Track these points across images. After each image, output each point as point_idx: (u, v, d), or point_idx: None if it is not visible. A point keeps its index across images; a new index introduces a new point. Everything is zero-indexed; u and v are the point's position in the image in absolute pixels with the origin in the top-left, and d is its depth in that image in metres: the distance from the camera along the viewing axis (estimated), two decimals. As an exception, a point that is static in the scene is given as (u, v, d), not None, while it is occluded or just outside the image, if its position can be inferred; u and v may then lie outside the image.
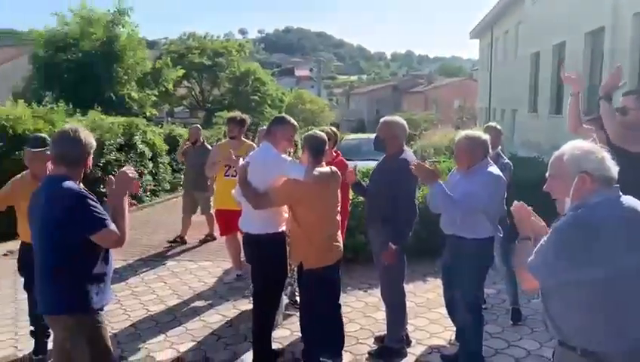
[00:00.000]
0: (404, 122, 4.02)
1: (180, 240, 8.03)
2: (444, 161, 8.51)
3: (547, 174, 2.21)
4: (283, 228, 3.78)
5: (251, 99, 28.77)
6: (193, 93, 31.11)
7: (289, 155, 3.90)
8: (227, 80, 29.97)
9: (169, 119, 25.51)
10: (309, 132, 3.79)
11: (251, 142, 5.95)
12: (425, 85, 54.37)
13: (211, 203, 7.62)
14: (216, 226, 6.88)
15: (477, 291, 3.63)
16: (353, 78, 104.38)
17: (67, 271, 2.57)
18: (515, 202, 2.37)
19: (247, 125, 6.13)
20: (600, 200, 2.03)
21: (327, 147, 3.74)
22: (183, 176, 9.22)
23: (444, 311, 4.86)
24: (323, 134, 3.74)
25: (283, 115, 4.33)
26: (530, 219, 2.32)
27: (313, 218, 3.55)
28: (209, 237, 8.18)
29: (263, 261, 3.72)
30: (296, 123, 3.89)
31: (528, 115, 16.55)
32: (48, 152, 3.29)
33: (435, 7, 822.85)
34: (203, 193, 7.82)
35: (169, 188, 13.24)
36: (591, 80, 11.23)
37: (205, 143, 8.21)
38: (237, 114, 6.20)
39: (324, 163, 3.73)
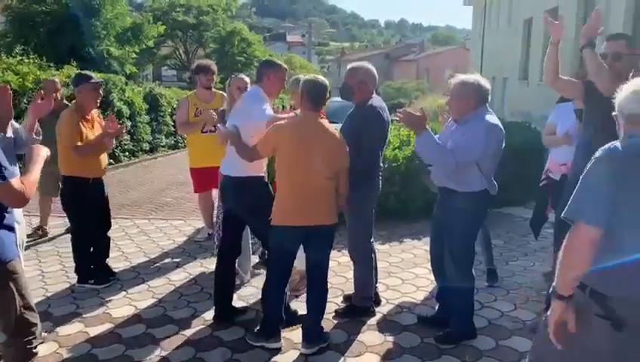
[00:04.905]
0: (373, 69, 3.73)
1: (41, 231, 5.97)
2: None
3: None
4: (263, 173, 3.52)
5: (237, 61, 28.02)
6: (177, 52, 30.28)
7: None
8: (212, 40, 29.15)
9: (157, 82, 24.85)
10: (308, 76, 3.44)
11: (222, 92, 5.63)
12: (417, 54, 53.63)
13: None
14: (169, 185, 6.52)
15: (468, 246, 3.39)
16: (346, 44, 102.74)
17: None
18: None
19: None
20: (634, 140, 1.86)
21: (328, 95, 3.35)
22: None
23: (417, 271, 4.76)
24: (325, 80, 3.34)
25: (270, 59, 4.07)
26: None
27: (281, 168, 3.27)
28: (40, 232, 5.95)
29: (246, 204, 3.48)
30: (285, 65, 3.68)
31: (519, 83, 16.29)
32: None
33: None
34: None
35: (148, 148, 12.90)
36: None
37: (66, 102, 5.87)
38: (209, 62, 5.85)
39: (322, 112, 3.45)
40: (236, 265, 3.99)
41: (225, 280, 3.80)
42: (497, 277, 4.48)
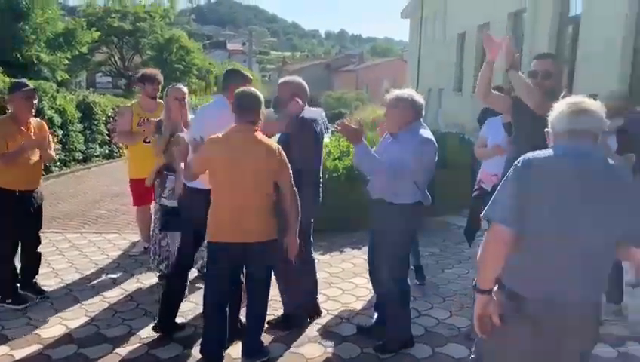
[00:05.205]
0: (304, 82, 3.80)
1: None
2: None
3: None
4: None
5: (176, 68, 27.41)
6: (112, 59, 29.25)
7: None
8: (150, 47, 28.40)
9: (91, 89, 23.91)
10: (240, 89, 3.31)
11: (161, 101, 5.51)
12: (357, 64, 54.53)
13: None
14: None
15: (402, 255, 3.47)
16: (287, 54, 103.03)
17: None
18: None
19: None
20: (547, 152, 2.03)
21: (257, 105, 3.18)
22: None
23: (357, 280, 4.82)
24: (253, 90, 3.24)
25: (235, 68, 4.07)
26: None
27: (214, 182, 3.19)
28: None
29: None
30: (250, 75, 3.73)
31: (453, 94, 16.89)
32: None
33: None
34: None
35: (81, 158, 12.39)
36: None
37: None
38: (155, 71, 5.68)
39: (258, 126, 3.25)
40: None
41: (175, 293, 3.72)
42: (424, 274, 4.69)
